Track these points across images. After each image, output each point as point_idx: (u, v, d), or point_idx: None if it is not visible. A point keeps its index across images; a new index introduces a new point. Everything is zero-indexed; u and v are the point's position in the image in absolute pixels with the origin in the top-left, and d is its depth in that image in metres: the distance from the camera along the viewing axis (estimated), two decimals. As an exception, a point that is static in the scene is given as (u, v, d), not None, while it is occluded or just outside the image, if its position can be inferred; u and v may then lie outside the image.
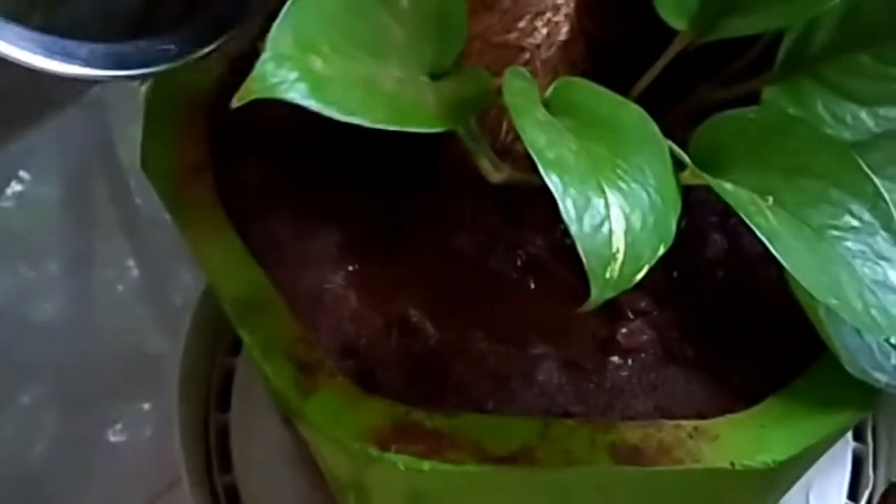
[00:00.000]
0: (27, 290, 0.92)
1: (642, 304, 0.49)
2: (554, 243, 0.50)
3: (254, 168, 0.52)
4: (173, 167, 0.51)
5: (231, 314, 0.48)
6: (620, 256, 0.38)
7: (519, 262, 0.50)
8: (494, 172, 0.46)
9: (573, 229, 0.38)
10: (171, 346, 0.84)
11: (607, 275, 0.38)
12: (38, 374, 0.88)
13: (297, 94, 0.38)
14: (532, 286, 0.50)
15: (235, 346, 0.71)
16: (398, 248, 0.51)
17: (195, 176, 0.51)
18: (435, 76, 0.44)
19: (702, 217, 0.50)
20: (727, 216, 0.50)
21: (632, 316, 0.48)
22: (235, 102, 0.38)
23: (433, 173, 0.52)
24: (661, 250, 0.40)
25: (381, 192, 0.52)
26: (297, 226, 0.51)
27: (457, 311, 0.49)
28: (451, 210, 0.51)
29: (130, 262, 0.96)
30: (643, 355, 0.48)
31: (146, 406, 0.87)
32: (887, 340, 0.44)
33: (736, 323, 0.49)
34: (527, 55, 0.46)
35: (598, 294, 0.38)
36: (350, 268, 0.50)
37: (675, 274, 0.49)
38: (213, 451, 0.70)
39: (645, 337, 0.48)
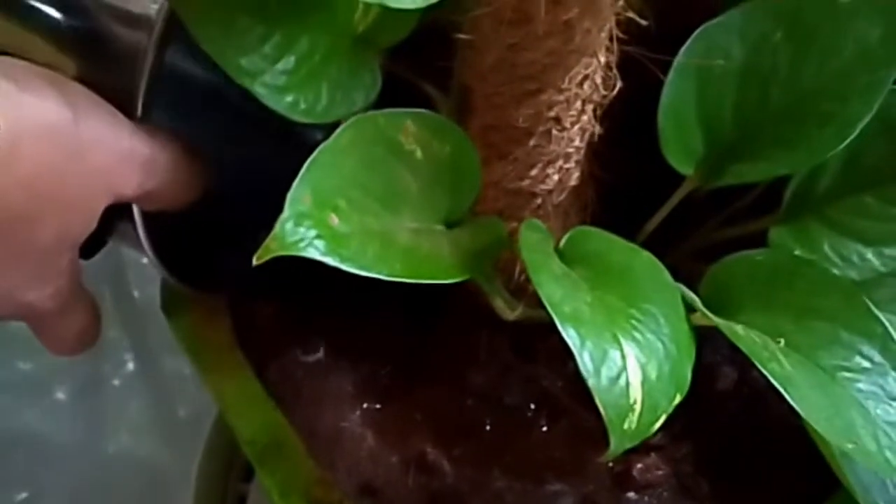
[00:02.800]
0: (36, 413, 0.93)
1: (657, 439, 0.49)
2: (567, 378, 0.51)
3: (270, 308, 0.53)
4: (192, 311, 0.52)
5: (250, 455, 0.49)
6: (638, 407, 0.39)
7: (533, 398, 0.51)
8: (509, 311, 0.47)
9: (591, 382, 0.38)
10: (176, 457, 0.85)
11: (625, 426, 0.39)
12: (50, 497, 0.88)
13: (316, 251, 0.39)
14: (547, 421, 0.50)
15: (248, 472, 0.71)
16: (413, 384, 0.52)
17: (214, 320, 0.52)
18: (450, 224, 0.45)
19: (713, 351, 0.51)
20: (737, 349, 0.51)
21: (647, 451, 0.49)
22: (255, 261, 0.39)
23: (447, 308, 0.53)
24: (677, 399, 0.40)
25: (396, 328, 0.53)
26: (313, 365, 0.51)
27: (473, 449, 0.50)
28: (465, 346, 0.52)
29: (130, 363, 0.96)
30: (659, 490, 0.48)
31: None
32: (903, 480, 0.44)
33: (750, 456, 0.49)
34: (539, 200, 0.47)
35: (617, 445, 0.39)
36: (366, 406, 0.51)
37: (688, 408, 0.50)
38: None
39: (660, 472, 0.48)
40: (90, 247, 0.48)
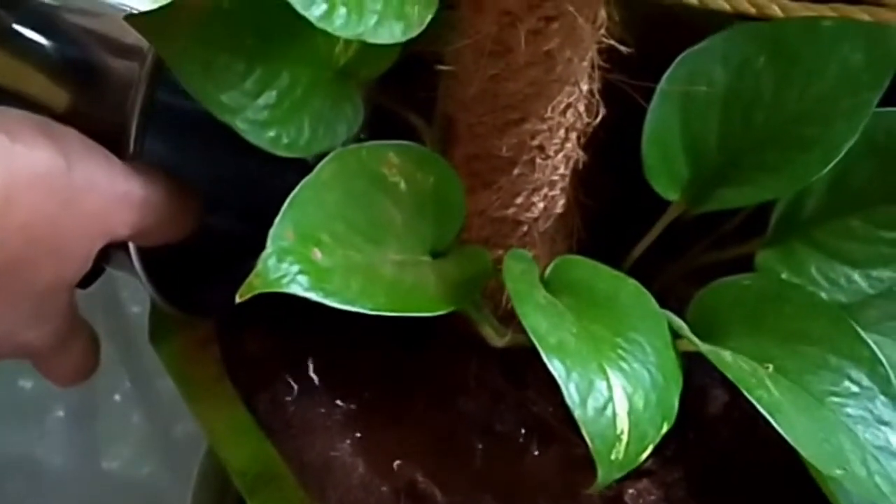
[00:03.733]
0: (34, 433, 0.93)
1: (648, 464, 0.49)
2: (558, 404, 0.50)
3: (258, 338, 0.52)
4: (181, 342, 0.52)
5: (240, 486, 0.49)
6: (625, 437, 0.39)
7: (524, 425, 0.51)
8: (497, 338, 0.47)
9: (577, 413, 0.38)
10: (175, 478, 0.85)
11: (613, 456, 0.39)
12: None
13: (299, 287, 0.39)
14: (538, 447, 0.50)
15: (242, 500, 0.70)
16: (403, 411, 0.51)
17: (202, 350, 0.52)
18: (436, 254, 0.45)
19: (704, 373, 0.50)
20: (727, 371, 0.51)
21: (638, 476, 0.49)
22: (239, 298, 0.39)
23: (436, 336, 0.52)
24: (665, 428, 0.40)
25: (385, 355, 0.53)
26: (302, 394, 0.51)
27: (464, 476, 0.49)
28: (454, 373, 0.52)
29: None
30: (651, 516, 0.48)
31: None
32: (893, 506, 0.44)
33: (741, 479, 0.49)
34: (525, 228, 0.47)
35: (604, 475, 0.39)
36: (357, 434, 0.50)
37: (679, 432, 0.50)
38: None
39: (652, 497, 0.48)
40: (87, 277, 0.48)
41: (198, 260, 0.53)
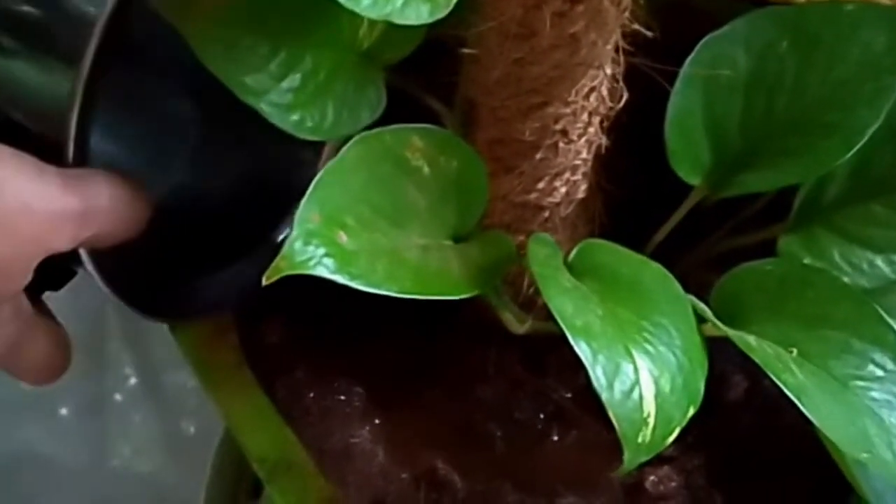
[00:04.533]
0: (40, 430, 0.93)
1: (669, 450, 0.49)
2: (577, 390, 0.51)
3: (277, 325, 0.52)
4: (199, 330, 0.52)
5: (260, 473, 0.49)
6: (651, 420, 0.39)
7: (543, 411, 0.51)
8: (518, 325, 0.47)
9: (604, 396, 0.38)
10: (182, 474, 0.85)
11: (639, 439, 0.39)
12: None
13: (325, 269, 0.39)
14: (557, 434, 0.50)
15: (256, 488, 0.70)
16: (423, 398, 0.51)
17: (221, 337, 0.51)
18: (458, 239, 0.45)
19: (724, 360, 0.50)
20: (748, 357, 0.51)
21: (659, 463, 0.49)
22: (265, 281, 0.38)
23: (455, 322, 0.52)
24: (691, 411, 0.40)
25: (404, 342, 0.53)
26: (322, 381, 0.51)
27: (484, 463, 0.49)
28: (474, 360, 0.52)
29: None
30: (671, 502, 0.48)
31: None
32: (918, 488, 0.44)
33: (762, 466, 0.49)
34: (547, 213, 0.47)
35: (631, 459, 0.39)
36: (376, 421, 0.50)
37: (700, 418, 0.50)
38: None
39: (673, 484, 0.48)
40: (58, 279, 0.48)
41: (159, 259, 0.51)
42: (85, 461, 0.93)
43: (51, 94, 0.44)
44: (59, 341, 0.48)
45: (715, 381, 0.50)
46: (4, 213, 0.40)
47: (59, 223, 0.42)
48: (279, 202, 0.53)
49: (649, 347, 0.40)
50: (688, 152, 0.47)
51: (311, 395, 0.51)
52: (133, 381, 0.97)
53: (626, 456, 0.38)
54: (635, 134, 0.46)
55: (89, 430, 0.95)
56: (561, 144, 0.45)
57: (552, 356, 0.51)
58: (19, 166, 0.41)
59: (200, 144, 0.53)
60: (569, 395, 0.51)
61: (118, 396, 0.97)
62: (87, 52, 0.41)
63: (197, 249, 0.51)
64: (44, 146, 0.44)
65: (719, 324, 0.42)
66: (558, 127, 0.44)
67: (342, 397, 0.51)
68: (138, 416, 0.96)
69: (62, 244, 0.43)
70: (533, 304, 0.48)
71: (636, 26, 0.42)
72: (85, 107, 0.42)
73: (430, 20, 0.38)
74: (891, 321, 0.43)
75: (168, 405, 0.96)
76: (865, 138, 0.44)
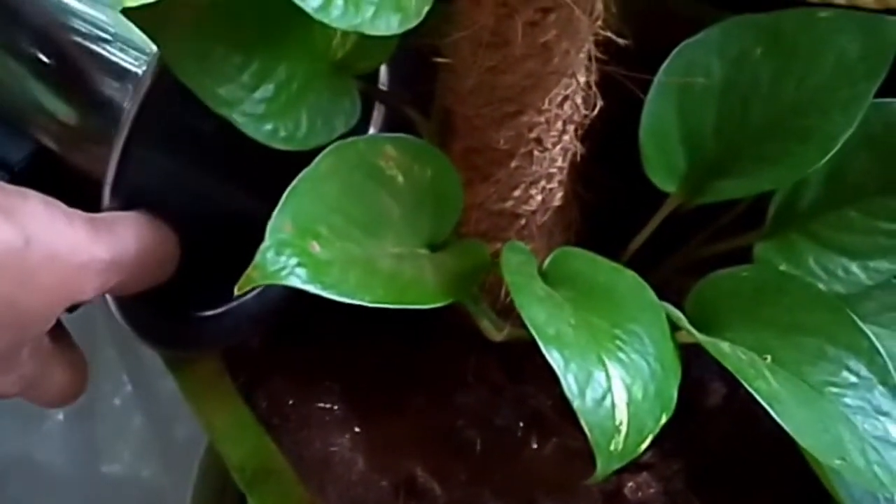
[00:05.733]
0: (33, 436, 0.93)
1: (648, 457, 0.49)
2: (556, 397, 0.51)
3: (258, 334, 0.53)
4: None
5: (239, 482, 0.49)
6: (624, 428, 0.39)
7: (523, 418, 0.51)
8: (495, 332, 0.47)
9: (576, 404, 0.38)
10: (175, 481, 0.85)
11: (612, 447, 0.39)
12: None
13: (298, 279, 0.39)
14: (536, 441, 0.50)
15: (242, 496, 0.70)
16: (402, 406, 0.52)
17: (201, 345, 0.52)
18: (434, 247, 0.45)
19: (702, 366, 0.50)
20: (726, 364, 0.51)
21: (638, 469, 0.49)
22: (237, 291, 0.38)
23: (434, 330, 0.52)
24: (664, 419, 0.40)
25: (384, 350, 0.53)
26: (302, 389, 0.51)
27: (463, 470, 0.50)
28: (453, 367, 0.52)
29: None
30: (650, 509, 0.48)
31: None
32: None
33: (741, 472, 0.49)
34: (523, 221, 0.47)
35: (603, 467, 0.39)
36: (356, 428, 0.51)
37: (678, 424, 0.50)
38: None
39: (651, 490, 0.48)
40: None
41: (181, 296, 0.51)
42: (78, 467, 0.93)
43: (89, 131, 0.45)
44: (76, 367, 0.48)
45: (693, 388, 0.51)
46: (33, 265, 0.40)
47: (87, 274, 0.42)
48: None
49: (622, 355, 0.40)
50: (663, 159, 0.47)
51: (291, 403, 0.51)
52: (126, 387, 0.97)
53: (599, 464, 0.38)
54: (610, 141, 0.46)
55: (82, 437, 0.95)
56: (536, 153, 0.45)
57: (531, 363, 0.51)
58: (50, 217, 0.41)
59: (226, 182, 0.53)
60: (548, 402, 0.51)
61: (112, 402, 0.97)
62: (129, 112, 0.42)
63: (207, 283, 0.51)
64: (75, 175, 0.45)
65: (693, 330, 0.43)
66: (532, 135, 0.44)
67: (322, 405, 0.51)
68: (131, 422, 0.96)
69: (89, 294, 0.43)
70: (511, 312, 0.48)
71: (609, 34, 0.42)
72: (125, 151, 0.43)
73: (400, 30, 0.38)
74: (865, 328, 0.43)
75: (161, 411, 0.96)
76: (840, 144, 0.44)
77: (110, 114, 0.43)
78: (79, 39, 0.45)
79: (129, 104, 0.43)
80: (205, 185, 0.52)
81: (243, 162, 0.48)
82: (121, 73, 0.44)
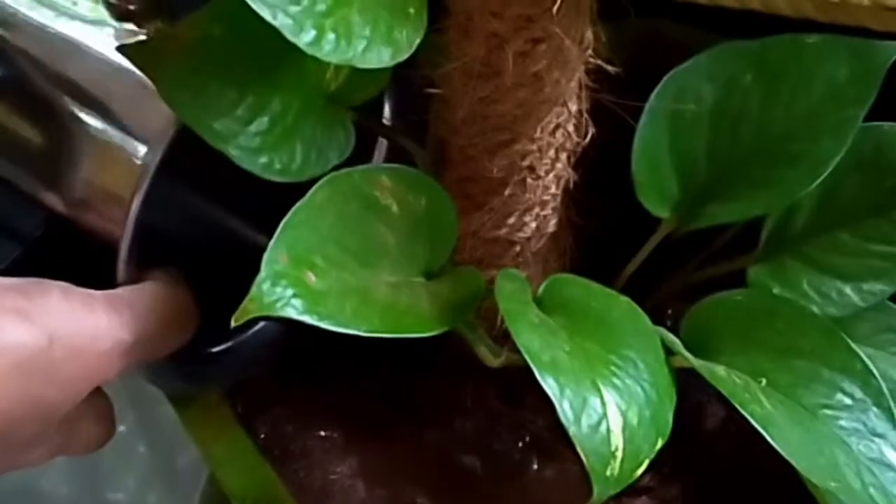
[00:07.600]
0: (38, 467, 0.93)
1: (646, 481, 0.49)
2: (554, 422, 0.51)
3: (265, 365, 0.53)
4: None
5: (240, 511, 0.49)
6: (620, 454, 0.39)
7: (521, 443, 0.51)
8: (492, 358, 0.47)
9: (572, 430, 0.38)
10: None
11: (608, 473, 0.39)
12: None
13: (294, 310, 0.39)
14: (536, 466, 0.51)
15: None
16: (401, 433, 0.52)
17: (201, 375, 0.52)
18: (430, 275, 0.45)
19: (700, 390, 0.51)
20: (724, 387, 0.51)
21: (637, 493, 0.49)
22: (233, 322, 0.39)
23: (433, 357, 0.53)
24: (659, 444, 0.40)
25: (382, 378, 0.53)
26: (302, 417, 0.52)
27: (463, 496, 0.50)
28: (451, 393, 0.52)
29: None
30: (650, 532, 0.48)
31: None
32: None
33: (739, 494, 0.49)
34: (518, 248, 0.47)
35: (600, 492, 0.39)
36: (356, 456, 0.51)
37: (677, 448, 0.50)
38: None
39: (650, 514, 0.48)
40: None
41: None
42: (83, 495, 0.93)
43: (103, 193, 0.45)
44: (102, 417, 0.48)
45: (691, 411, 0.51)
46: (57, 362, 0.41)
47: (110, 360, 0.43)
48: None
49: (617, 381, 0.40)
50: (655, 185, 0.47)
51: (291, 431, 0.51)
52: (130, 415, 0.98)
53: (596, 489, 0.39)
54: (603, 168, 0.46)
55: (87, 465, 0.95)
56: (529, 180, 0.45)
57: (529, 388, 0.50)
58: (70, 310, 0.42)
59: (234, 220, 0.54)
60: (546, 427, 0.51)
61: (116, 431, 0.97)
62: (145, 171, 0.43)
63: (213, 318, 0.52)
64: (89, 238, 0.45)
65: (687, 355, 0.43)
66: (525, 163, 0.45)
67: (322, 433, 0.51)
68: (135, 451, 0.96)
69: (111, 376, 0.43)
70: (507, 338, 0.48)
71: (599, 62, 0.43)
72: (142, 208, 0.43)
73: (391, 63, 0.38)
74: (859, 350, 0.43)
75: (165, 439, 0.96)
76: (830, 168, 0.45)
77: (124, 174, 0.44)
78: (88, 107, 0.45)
79: (143, 162, 0.43)
80: (212, 225, 0.53)
81: (250, 200, 0.48)
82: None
